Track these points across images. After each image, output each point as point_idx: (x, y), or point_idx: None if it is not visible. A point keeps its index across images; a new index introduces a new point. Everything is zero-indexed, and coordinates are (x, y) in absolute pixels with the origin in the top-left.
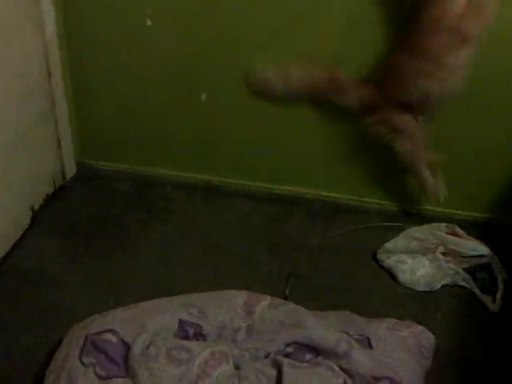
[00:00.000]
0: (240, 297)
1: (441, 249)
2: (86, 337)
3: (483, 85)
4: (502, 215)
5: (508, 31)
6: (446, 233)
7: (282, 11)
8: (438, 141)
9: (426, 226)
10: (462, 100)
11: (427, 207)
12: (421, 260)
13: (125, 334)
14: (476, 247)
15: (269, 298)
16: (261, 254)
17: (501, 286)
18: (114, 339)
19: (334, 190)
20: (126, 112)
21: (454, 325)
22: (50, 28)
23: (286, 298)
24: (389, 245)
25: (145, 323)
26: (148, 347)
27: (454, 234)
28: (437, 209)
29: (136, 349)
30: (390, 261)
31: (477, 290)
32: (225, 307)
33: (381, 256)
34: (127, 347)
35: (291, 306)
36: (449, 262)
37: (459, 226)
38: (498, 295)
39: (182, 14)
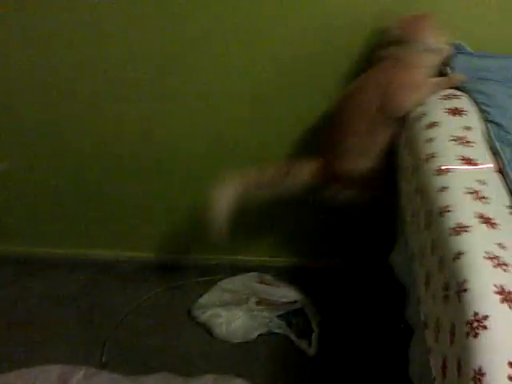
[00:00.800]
0: (53, 371)
1: (254, 298)
2: None
3: None
4: (310, 259)
5: None
6: (257, 282)
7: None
8: None
9: (236, 277)
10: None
11: (238, 257)
12: (235, 312)
13: None
14: (286, 293)
15: (84, 368)
16: (75, 324)
17: (315, 329)
18: None
19: (143, 249)
20: None
21: (272, 372)
22: None
23: (103, 367)
24: (202, 300)
25: None
26: None
27: (265, 283)
28: (247, 258)
29: None
30: (204, 316)
31: (292, 336)
32: None
33: (195, 312)
34: None
35: (106, 374)
36: (262, 311)
37: (271, 273)
38: (314, 338)
39: None
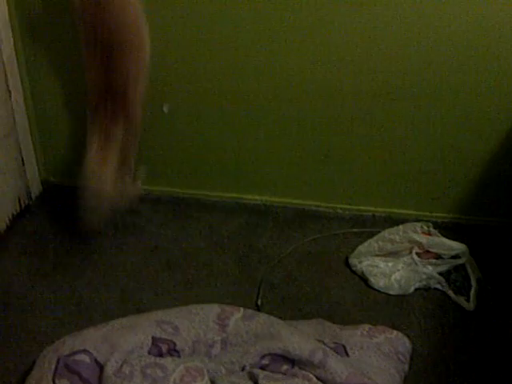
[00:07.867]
0: (213, 310)
1: (416, 249)
2: (59, 359)
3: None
4: (467, 215)
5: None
6: (420, 232)
7: None
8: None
9: (400, 227)
10: (422, 100)
11: (395, 210)
12: (395, 263)
13: (97, 353)
14: (452, 245)
15: (242, 309)
16: (231, 265)
17: (474, 284)
18: (87, 359)
19: (302, 197)
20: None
21: (429, 328)
22: (8, 47)
23: (258, 309)
24: (361, 248)
25: (117, 342)
26: (121, 366)
27: (429, 234)
28: (404, 211)
29: (109, 368)
30: (362, 265)
31: (450, 292)
32: (197, 321)
33: (352, 261)
34: (100, 367)
35: (264, 316)
36: (424, 264)
37: None
38: (472, 293)
39: None
